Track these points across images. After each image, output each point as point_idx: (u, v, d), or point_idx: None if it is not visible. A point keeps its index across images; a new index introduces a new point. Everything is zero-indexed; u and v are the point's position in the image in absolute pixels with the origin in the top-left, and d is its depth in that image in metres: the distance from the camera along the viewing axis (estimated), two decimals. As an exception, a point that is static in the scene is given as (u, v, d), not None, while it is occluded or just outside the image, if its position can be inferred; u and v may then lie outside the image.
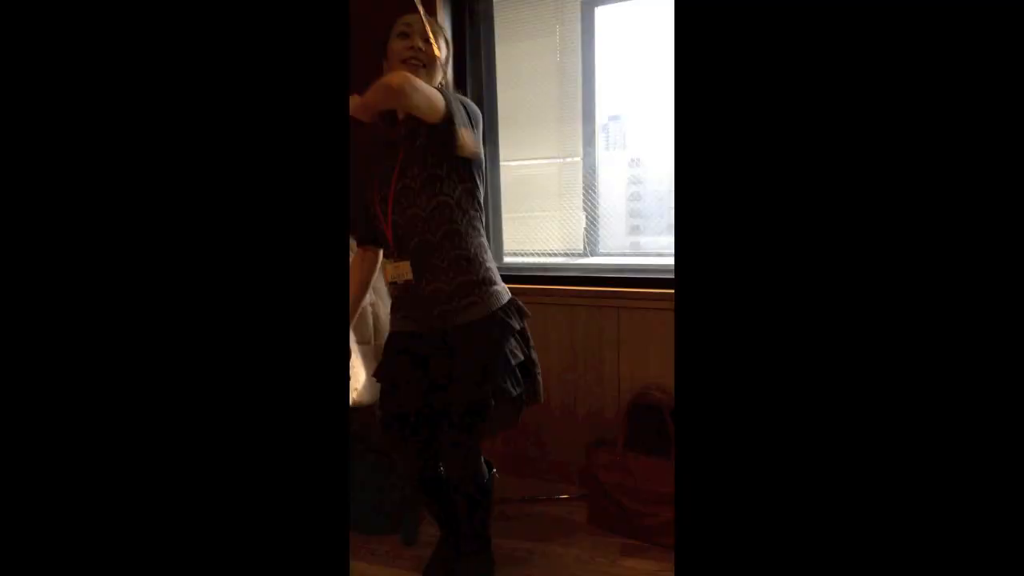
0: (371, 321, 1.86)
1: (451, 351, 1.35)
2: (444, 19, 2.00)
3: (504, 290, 1.40)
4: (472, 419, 1.31)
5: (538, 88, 2.11)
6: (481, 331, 1.33)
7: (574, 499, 1.95)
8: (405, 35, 1.34)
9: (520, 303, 1.42)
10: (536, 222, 2.20)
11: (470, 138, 1.28)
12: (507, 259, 2.24)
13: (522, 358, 1.36)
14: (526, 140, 2.17)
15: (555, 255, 2.16)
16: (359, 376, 1.93)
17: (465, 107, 1.30)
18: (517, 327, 1.37)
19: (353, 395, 1.88)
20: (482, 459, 1.43)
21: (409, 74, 1.19)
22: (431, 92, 1.21)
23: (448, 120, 1.23)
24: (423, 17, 1.32)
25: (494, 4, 2.10)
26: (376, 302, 1.90)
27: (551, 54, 2.08)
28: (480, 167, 1.36)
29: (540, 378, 1.42)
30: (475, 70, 2.14)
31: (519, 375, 1.35)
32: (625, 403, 1.88)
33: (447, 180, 1.30)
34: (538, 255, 2.18)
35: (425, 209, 1.29)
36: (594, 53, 2.00)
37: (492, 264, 1.40)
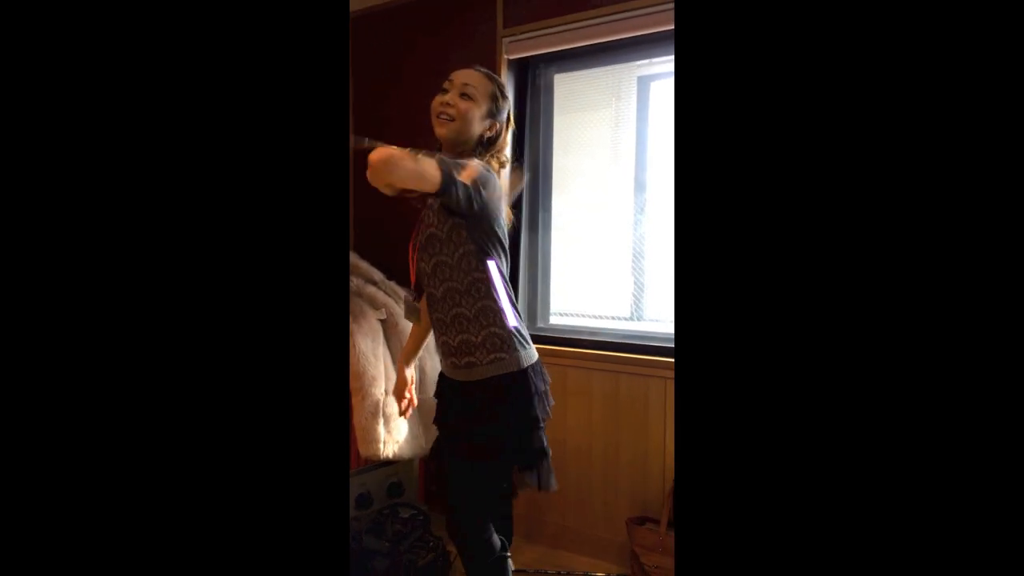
0: (417, 375, 1.87)
1: (471, 406, 1.34)
2: (508, 89, 2.10)
3: (527, 353, 1.36)
4: (472, 463, 1.30)
5: (593, 157, 2.17)
6: (503, 390, 1.31)
7: (610, 576, 1.88)
8: (444, 91, 1.38)
9: (542, 368, 1.38)
10: (584, 284, 2.21)
11: (467, 203, 1.26)
12: (553, 320, 2.24)
13: (537, 423, 1.33)
14: (579, 205, 2.21)
15: (601, 318, 2.15)
16: (401, 429, 1.92)
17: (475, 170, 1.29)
18: (541, 389, 1.35)
19: (394, 448, 1.87)
20: (492, 532, 1.35)
21: (394, 150, 1.17)
22: (421, 165, 1.19)
23: (443, 190, 1.22)
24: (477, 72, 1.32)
25: (555, 77, 2.20)
26: (424, 356, 1.91)
27: (607, 125, 2.15)
28: (499, 224, 1.35)
29: (549, 464, 1.35)
30: (533, 138, 2.22)
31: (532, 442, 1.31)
32: (671, 480, 1.82)
33: (471, 230, 1.32)
34: (584, 316, 2.18)
35: (452, 256, 1.33)
36: (648, 126, 2.05)
37: (519, 322, 1.38)
